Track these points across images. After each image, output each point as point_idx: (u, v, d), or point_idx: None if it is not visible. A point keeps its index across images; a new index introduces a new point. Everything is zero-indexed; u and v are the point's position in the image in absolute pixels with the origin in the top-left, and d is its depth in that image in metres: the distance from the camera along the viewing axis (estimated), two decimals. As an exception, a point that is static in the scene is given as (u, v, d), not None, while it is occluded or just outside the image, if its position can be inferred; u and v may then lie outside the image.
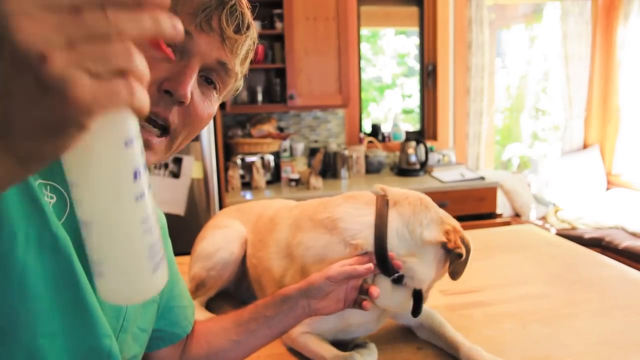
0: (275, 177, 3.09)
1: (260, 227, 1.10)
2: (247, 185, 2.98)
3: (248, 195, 2.83)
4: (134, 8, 0.30)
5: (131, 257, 0.36)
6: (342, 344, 0.95)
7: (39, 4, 0.27)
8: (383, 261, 0.86)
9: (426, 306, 0.98)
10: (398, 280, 0.89)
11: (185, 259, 1.27)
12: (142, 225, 0.36)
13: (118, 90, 0.29)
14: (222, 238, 1.14)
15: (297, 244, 0.95)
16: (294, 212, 1.03)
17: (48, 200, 0.50)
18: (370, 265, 0.82)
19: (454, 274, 0.93)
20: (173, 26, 0.32)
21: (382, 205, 0.91)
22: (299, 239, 0.95)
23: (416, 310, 0.89)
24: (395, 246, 0.88)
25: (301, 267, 0.93)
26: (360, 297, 0.84)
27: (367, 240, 0.87)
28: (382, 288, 0.86)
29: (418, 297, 0.89)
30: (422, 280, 0.89)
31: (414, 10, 3.55)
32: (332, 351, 0.89)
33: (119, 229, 0.35)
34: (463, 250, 0.88)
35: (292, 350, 0.97)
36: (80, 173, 0.34)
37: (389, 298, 0.89)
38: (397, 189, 0.99)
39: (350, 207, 0.93)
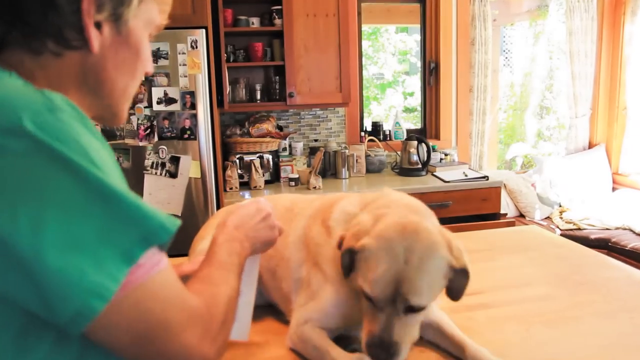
0: (274, 177, 3.06)
1: (276, 217, 1.08)
2: (245, 184, 2.95)
3: (247, 195, 2.79)
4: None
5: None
6: (339, 339, 0.93)
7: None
8: None
9: (435, 306, 0.99)
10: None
11: (182, 260, 1.25)
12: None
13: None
14: None
15: (312, 237, 0.98)
16: (315, 203, 1.05)
17: None
18: None
19: None
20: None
21: None
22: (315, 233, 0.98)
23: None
24: None
25: (314, 262, 0.96)
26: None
27: None
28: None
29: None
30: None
31: (415, 6, 3.52)
32: (339, 352, 0.88)
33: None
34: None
35: (295, 352, 0.95)
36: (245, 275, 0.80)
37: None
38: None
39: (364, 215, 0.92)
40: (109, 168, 0.52)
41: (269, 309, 1.12)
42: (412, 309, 0.80)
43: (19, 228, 0.46)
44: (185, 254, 1.25)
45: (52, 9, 0.55)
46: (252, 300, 0.92)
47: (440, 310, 1.00)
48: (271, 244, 0.88)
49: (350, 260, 0.84)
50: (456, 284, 0.84)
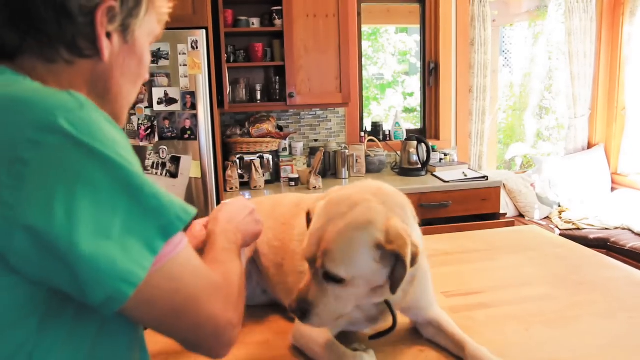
0: (274, 177, 3.06)
1: (283, 212, 1.12)
2: (245, 184, 2.95)
3: (247, 195, 2.79)
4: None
5: None
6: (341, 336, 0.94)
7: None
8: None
9: (435, 304, 0.99)
10: None
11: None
12: None
13: None
14: None
15: None
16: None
17: None
18: None
19: None
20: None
21: None
22: None
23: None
24: None
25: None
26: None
27: None
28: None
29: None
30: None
31: (415, 7, 3.52)
32: (340, 349, 0.88)
33: None
34: None
35: (296, 350, 0.96)
36: None
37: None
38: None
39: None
40: (132, 158, 0.55)
41: (273, 308, 1.12)
42: (330, 276, 0.80)
43: (54, 218, 0.48)
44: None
45: (66, 19, 0.58)
46: None
47: (440, 309, 1.00)
48: (257, 236, 0.94)
49: (308, 223, 0.89)
50: (395, 274, 0.80)
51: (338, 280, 0.80)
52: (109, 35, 0.62)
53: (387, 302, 0.89)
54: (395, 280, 0.80)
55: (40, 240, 0.49)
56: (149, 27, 0.68)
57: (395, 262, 0.79)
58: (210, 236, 0.81)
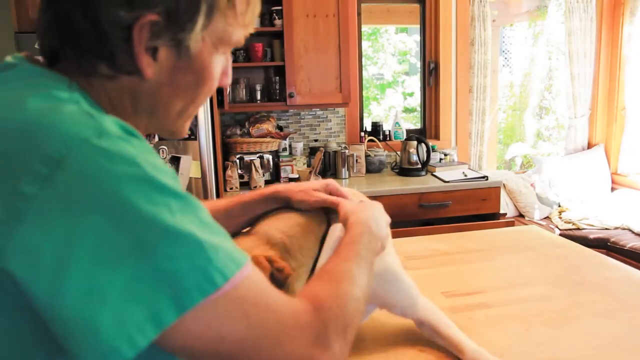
0: (274, 177, 3.06)
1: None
2: (245, 184, 2.95)
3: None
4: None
5: None
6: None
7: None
8: None
9: (433, 304, 0.97)
10: None
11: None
12: None
13: None
14: None
15: None
16: None
17: None
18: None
19: None
20: None
21: None
22: None
23: None
24: None
25: None
26: None
27: None
28: None
29: None
30: None
31: (415, 7, 3.52)
32: None
33: None
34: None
35: None
36: None
37: None
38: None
39: None
40: (159, 196, 0.45)
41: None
42: None
43: (40, 266, 0.41)
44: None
45: (104, 34, 0.52)
46: None
47: (429, 306, 0.97)
48: (384, 248, 0.81)
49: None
50: None
51: None
52: (155, 50, 0.54)
53: None
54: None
55: (23, 290, 0.43)
56: (216, 36, 0.57)
57: None
58: (349, 234, 0.71)
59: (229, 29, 0.58)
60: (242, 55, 3.02)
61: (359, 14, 3.35)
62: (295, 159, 3.15)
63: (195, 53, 0.56)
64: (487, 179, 2.99)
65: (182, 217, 0.46)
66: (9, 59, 0.55)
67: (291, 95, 2.94)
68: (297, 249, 0.79)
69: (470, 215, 2.94)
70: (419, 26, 3.56)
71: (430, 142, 3.24)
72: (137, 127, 0.54)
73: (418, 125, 3.73)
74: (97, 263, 0.42)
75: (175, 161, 2.50)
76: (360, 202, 0.84)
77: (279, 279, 0.79)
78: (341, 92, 3.01)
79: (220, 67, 0.61)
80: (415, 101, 3.92)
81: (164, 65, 0.55)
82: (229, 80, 0.64)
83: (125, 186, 0.44)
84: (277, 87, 3.06)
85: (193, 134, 2.49)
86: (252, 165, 2.90)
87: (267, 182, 3.00)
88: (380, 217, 0.80)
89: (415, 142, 3.16)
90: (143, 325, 0.43)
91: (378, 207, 0.83)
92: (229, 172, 2.85)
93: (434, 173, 3.13)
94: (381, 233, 0.76)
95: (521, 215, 3.48)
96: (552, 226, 3.27)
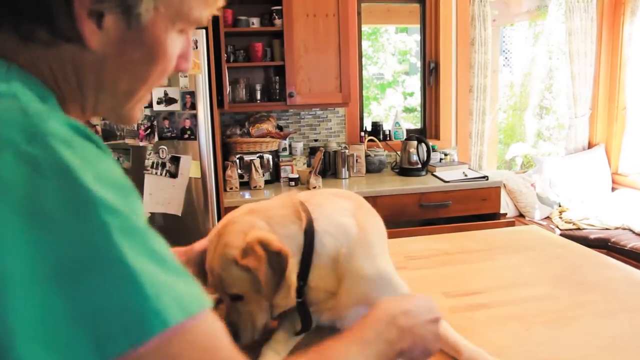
0: (274, 177, 3.06)
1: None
2: (245, 184, 2.95)
3: (247, 195, 2.79)
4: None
5: None
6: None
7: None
8: None
9: None
10: None
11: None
12: None
13: None
14: None
15: None
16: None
17: None
18: None
19: None
20: None
21: None
22: None
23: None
24: None
25: None
26: None
27: None
28: None
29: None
30: None
31: (415, 6, 3.52)
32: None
33: None
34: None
35: None
36: None
37: None
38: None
39: None
40: (103, 209, 0.38)
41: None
42: (233, 297, 0.84)
43: None
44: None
45: None
46: None
47: None
48: (428, 355, 0.72)
49: None
50: (265, 281, 0.82)
51: (240, 297, 0.84)
52: (101, 16, 0.47)
53: (300, 305, 0.89)
54: (265, 286, 0.81)
55: None
56: (174, 8, 0.50)
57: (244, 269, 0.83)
58: (364, 319, 0.66)
59: (189, 1, 0.52)
60: (242, 55, 3.02)
61: (359, 13, 3.35)
62: (295, 158, 3.15)
63: (147, 24, 0.49)
64: (487, 179, 2.99)
65: (121, 241, 0.38)
66: None
67: (291, 95, 2.94)
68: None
69: (470, 215, 2.94)
70: (419, 26, 3.56)
71: (431, 142, 3.24)
72: (85, 107, 0.52)
73: (418, 125, 3.73)
74: (6, 287, 0.34)
75: (175, 161, 2.50)
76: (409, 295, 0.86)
77: (278, 265, 0.80)
78: (341, 92, 3.01)
79: (178, 48, 0.55)
80: (416, 101, 3.91)
81: (111, 36, 0.48)
82: (189, 65, 0.57)
83: (49, 199, 0.37)
84: (277, 87, 3.05)
85: (193, 134, 2.48)
86: (252, 165, 2.90)
87: (267, 182, 3.00)
88: (417, 309, 0.72)
89: (415, 142, 3.15)
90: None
91: (425, 300, 0.76)
92: (228, 172, 2.85)
93: (434, 173, 3.13)
94: (409, 324, 0.69)
95: (521, 215, 3.48)
96: (553, 226, 3.27)
